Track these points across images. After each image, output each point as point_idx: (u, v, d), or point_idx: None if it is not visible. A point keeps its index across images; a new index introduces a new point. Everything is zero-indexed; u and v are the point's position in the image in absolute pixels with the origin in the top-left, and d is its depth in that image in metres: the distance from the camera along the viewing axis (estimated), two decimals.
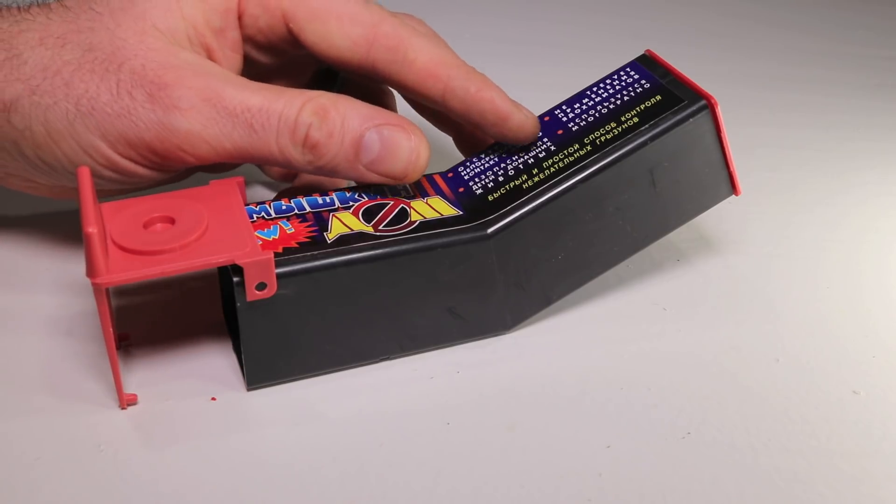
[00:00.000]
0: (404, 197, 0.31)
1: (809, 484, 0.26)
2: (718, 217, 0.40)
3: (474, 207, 0.30)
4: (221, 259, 0.26)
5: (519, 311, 0.31)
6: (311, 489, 0.25)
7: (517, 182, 0.30)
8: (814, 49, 0.62)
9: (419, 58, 0.31)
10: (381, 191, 0.31)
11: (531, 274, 0.30)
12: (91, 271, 0.24)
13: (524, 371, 0.30)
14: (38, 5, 0.30)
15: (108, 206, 0.28)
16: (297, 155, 0.29)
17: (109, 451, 0.26)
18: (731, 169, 0.32)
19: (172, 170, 0.30)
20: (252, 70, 0.33)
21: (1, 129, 0.29)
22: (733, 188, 0.33)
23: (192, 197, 0.28)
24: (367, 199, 0.30)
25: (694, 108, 0.30)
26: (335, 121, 0.29)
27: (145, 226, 0.27)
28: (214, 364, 0.29)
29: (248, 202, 0.30)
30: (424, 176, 0.32)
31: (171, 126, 0.28)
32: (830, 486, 0.26)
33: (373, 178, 0.30)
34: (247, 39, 0.32)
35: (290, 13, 0.31)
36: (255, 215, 0.29)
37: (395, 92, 0.36)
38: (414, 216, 0.29)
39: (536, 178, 0.30)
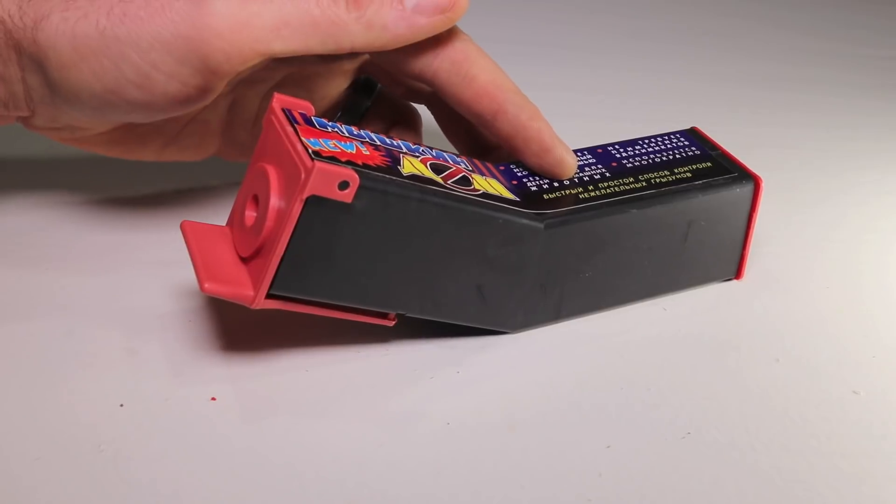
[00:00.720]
0: (464, 168, 0.31)
1: (809, 484, 0.26)
2: None
3: (530, 199, 0.31)
4: (306, 193, 0.25)
5: (532, 314, 0.31)
6: (311, 489, 0.25)
7: (573, 192, 0.31)
8: (814, 49, 0.62)
9: (480, 76, 0.31)
10: (443, 156, 0.31)
11: (557, 281, 0.31)
12: (245, 301, 0.26)
13: (524, 371, 0.30)
14: None
15: (210, 230, 0.29)
16: (341, 13, 0.28)
17: (109, 451, 0.26)
18: (745, 252, 0.34)
19: (205, 84, 0.29)
20: (298, 72, 0.34)
21: (27, 50, 0.28)
22: (738, 271, 0.35)
23: (253, 161, 0.29)
24: (431, 155, 0.30)
25: (743, 180, 0.33)
26: None
27: (245, 223, 0.28)
28: (214, 364, 0.29)
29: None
30: (477, 160, 0.33)
31: (209, 11, 0.27)
32: (830, 486, 0.26)
33: (425, 26, 0.30)
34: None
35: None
36: (329, 127, 0.29)
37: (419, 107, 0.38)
38: (476, 185, 0.30)
39: (593, 194, 0.31)
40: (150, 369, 0.29)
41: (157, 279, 0.33)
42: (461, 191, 0.29)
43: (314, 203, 0.25)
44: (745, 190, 0.33)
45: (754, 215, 0.33)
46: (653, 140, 0.35)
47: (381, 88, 0.38)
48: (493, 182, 0.31)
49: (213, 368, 0.29)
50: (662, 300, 0.34)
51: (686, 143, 0.35)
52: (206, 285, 0.26)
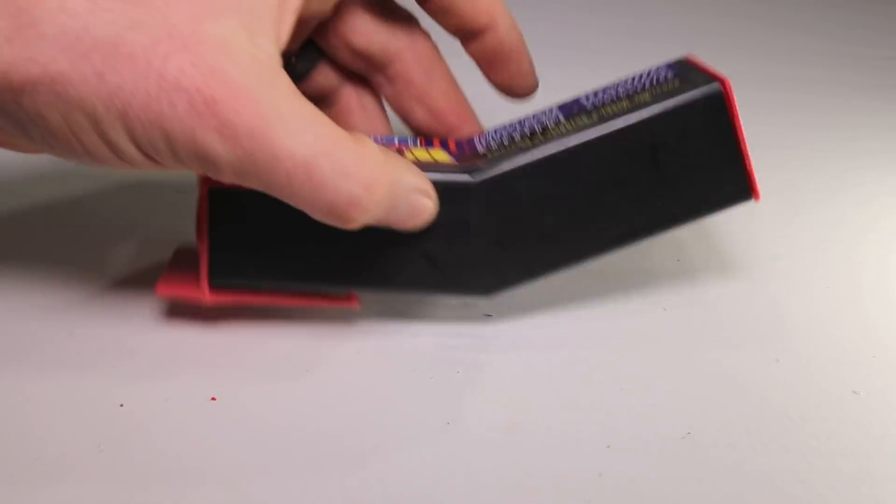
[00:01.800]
0: (403, 144, 0.31)
1: (809, 484, 0.26)
2: (718, 217, 0.40)
3: (469, 159, 0.30)
4: (206, 186, 0.28)
5: (501, 274, 0.30)
6: (310, 489, 0.25)
7: (518, 143, 0.30)
8: (814, 49, 0.62)
9: None
10: (390, 139, 0.31)
11: (515, 235, 0.29)
12: (194, 298, 0.28)
13: (524, 371, 0.30)
14: None
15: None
16: (321, 215, 0.26)
17: (109, 451, 0.26)
18: (747, 164, 0.30)
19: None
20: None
21: (4, 109, 0.24)
22: (750, 189, 0.30)
23: None
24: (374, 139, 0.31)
25: (704, 85, 0.30)
26: (381, 196, 0.26)
27: None
28: (215, 364, 0.29)
29: None
30: (432, 139, 0.33)
31: (203, 146, 0.24)
32: (830, 486, 0.26)
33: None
34: None
35: None
36: None
37: None
38: (409, 155, 0.29)
39: (536, 140, 0.30)
40: (150, 369, 0.29)
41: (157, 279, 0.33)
42: None
43: (218, 193, 0.27)
44: (709, 97, 0.29)
45: (735, 121, 0.30)
46: (629, 79, 0.33)
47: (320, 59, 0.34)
48: (437, 151, 0.30)
49: (213, 368, 0.29)
50: (662, 300, 0.34)
51: (665, 71, 0.32)
52: (158, 291, 0.28)
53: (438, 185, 0.28)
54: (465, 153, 0.31)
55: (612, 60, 0.59)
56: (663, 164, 0.30)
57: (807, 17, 0.68)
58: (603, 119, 0.30)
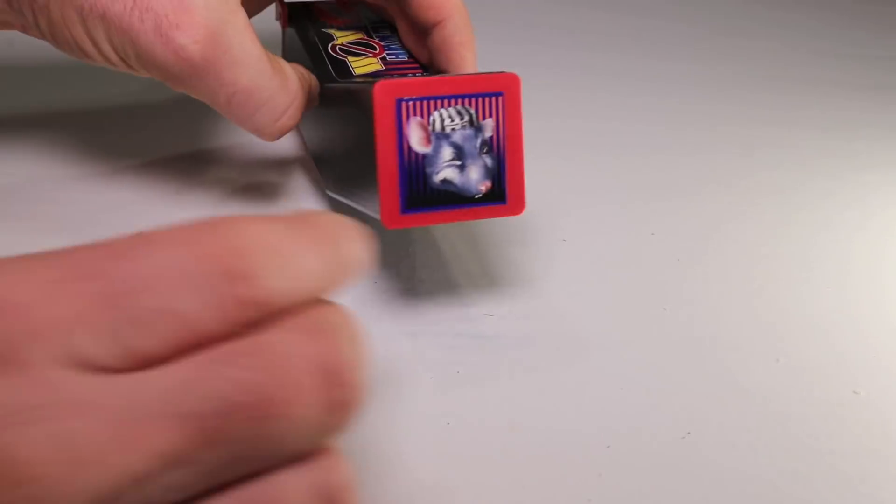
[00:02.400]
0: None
1: (809, 484, 0.26)
2: (718, 217, 0.40)
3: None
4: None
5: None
6: None
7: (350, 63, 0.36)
8: (814, 49, 0.62)
9: None
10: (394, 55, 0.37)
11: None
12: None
13: (524, 371, 0.30)
14: None
15: None
16: (250, 129, 0.32)
17: None
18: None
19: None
20: None
21: (21, 6, 0.30)
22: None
23: None
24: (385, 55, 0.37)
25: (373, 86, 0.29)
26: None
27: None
28: None
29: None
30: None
31: (163, 62, 0.30)
32: (830, 486, 0.26)
33: None
34: None
35: None
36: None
37: None
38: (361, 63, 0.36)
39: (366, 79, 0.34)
40: None
41: None
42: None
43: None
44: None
45: (375, 123, 0.28)
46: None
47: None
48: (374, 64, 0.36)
49: None
50: (662, 300, 0.34)
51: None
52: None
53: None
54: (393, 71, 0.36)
55: (612, 60, 0.59)
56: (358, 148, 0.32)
57: (807, 17, 0.68)
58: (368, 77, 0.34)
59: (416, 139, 0.28)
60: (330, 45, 0.37)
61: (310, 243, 0.18)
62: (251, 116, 0.32)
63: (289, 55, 0.41)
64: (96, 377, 0.15)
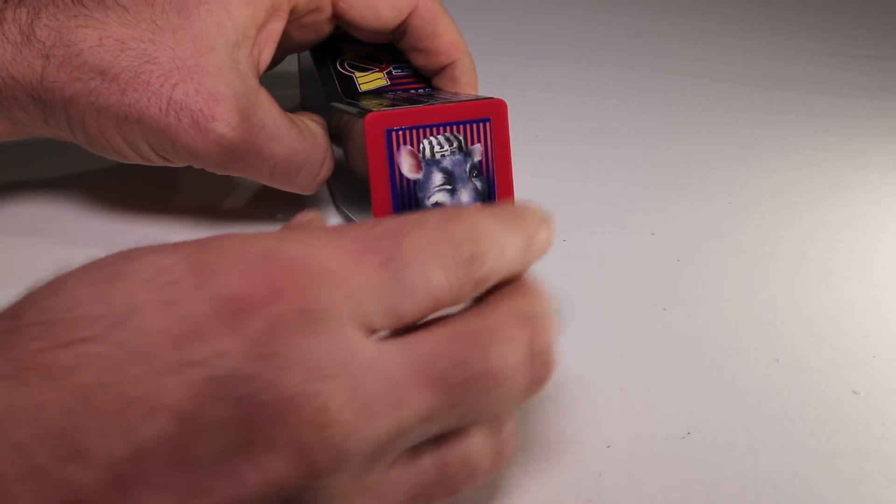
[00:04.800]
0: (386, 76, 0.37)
1: (809, 484, 0.26)
2: (718, 217, 0.40)
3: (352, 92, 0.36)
4: None
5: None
6: None
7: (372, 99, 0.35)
8: (814, 49, 0.62)
9: (445, 34, 0.36)
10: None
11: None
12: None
13: None
14: None
15: None
16: (291, 188, 0.34)
17: None
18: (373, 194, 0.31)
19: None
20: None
21: (59, 118, 0.31)
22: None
23: None
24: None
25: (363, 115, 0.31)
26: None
27: None
28: None
29: None
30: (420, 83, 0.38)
31: (205, 153, 0.31)
32: (830, 486, 0.26)
33: None
34: (289, 23, 0.34)
35: None
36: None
37: None
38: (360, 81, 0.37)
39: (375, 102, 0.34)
40: None
41: None
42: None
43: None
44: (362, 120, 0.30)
45: (368, 149, 0.30)
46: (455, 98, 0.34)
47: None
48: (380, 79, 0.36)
49: None
50: (662, 300, 0.34)
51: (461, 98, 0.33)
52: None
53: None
54: (398, 88, 0.37)
55: (613, 60, 0.59)
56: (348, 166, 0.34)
57: (807, 17, 0.68)
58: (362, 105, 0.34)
59: (406, 166, 0.29)
60: (338, 61, 0.37)
61: (518, 231, 0.22)
62: (293, 180, 0.34)
63: (302, 72, 0.42)
64: (376, 341, 0.19)
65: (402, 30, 0.36)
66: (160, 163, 0.33)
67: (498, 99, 0.30)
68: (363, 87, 0.36)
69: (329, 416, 0.17)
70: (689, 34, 0.64)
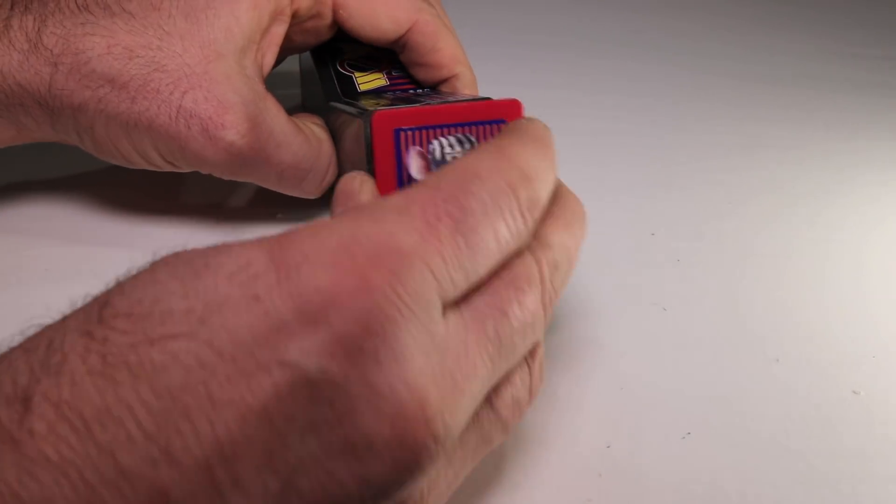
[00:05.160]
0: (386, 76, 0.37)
1: (809, 484, 0.26)
2: (718, 217, 0.40)
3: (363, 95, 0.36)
4: None
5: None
6: None
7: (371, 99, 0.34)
8: (814, 49, 0.62)
9: (445, 48, 0.36)
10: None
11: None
12: None
13: None
14: (98, 3, 0.31)
15: None
16: (298, 193, 0.35)
17: None
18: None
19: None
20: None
21: (66, 125, 0.32)
22: None
23: None
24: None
25: (366, 117, 0.30)
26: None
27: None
28: None
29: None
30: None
31: (214, 160, 0.32)
32: (830, 486, 0.26)
33: None
34: (290, 27, 0.35)
35: (342, 1, 0.35)
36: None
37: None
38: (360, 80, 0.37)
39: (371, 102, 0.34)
40: None
41: None
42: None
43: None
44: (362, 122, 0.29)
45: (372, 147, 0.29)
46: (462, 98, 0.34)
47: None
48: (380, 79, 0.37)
49: None
50: (662, 300, 0.34)
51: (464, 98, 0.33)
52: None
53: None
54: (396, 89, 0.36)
55: (613, 60, 0.59)
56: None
57: (807, 17, 0.68)
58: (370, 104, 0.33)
59: (415, 168, 0.29)
60: (338, 61, 0.37)
61: (549, 154, 0.23)
62: (300, 185, 0.34)
63: (303, 72, 0.42)
64: (450, 318, 0.19)
65: (402, 43, 0.36)
66: (168, 168, 0.33)
67: (513, 99, 0.29)
68: (362, 87, 0.36)
69: (429, 411, 0.17)
70: (690, 32, 0.64)
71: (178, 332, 0.17)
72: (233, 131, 0.31)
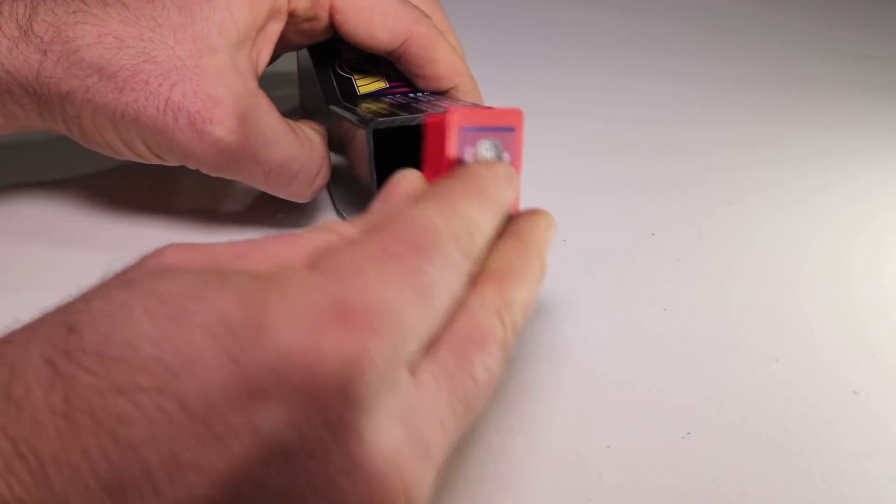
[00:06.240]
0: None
1: (809, 484, 0.26)
2: (718, 217, 0.40)
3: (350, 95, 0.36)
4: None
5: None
6: None
7: (370, 103, 0.35)
8: (814, 49, 0.62)
9: (443, 60, 0.35)
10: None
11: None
12: None
13: (524, 371, 0.30)
14: None
15: None
16: (286, 196, 0.34)
17: None
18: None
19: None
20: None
21: (54, 113, 0.31)
22: None
23: None
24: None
25: (366, 125, 0.32)
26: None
27: None
28: None
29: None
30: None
31: (201, 155, 0.31)
32: (830, 486, 0.26)
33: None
34: (286, 26, 0.34)
35: (339, 6, 0.34)
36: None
37: None
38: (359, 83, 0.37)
39: (371, 106, 0.34)
40: None
41: None
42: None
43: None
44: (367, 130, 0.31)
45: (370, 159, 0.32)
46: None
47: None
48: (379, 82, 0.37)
49: None
50: (662, 300, 0.34)
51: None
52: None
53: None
54: (396, 93, 0.36)
55: (613, 60, 0.59)
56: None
57: (807, 17, 0.68)
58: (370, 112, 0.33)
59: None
60: (337, 63, 0.37)
61: (492, 202, 0.23)
62: (288, 186, 0.33)
63: (301, 72, 0.42)
64: (421, 378, 0.19)
65: (397, 54, 0.35)
66: (154, 161, 0.33)
67: (518, 109, 0.30)
68: (362, 91, 0.36)
69: (408, 482, 0.17)
70: (690, 33, 0.64)
71: (149, 385, 0.16)
72: (220, 127, 0.31)
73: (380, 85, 0.37)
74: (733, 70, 0.58)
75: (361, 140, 0.32)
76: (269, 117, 0.32)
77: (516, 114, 0.29)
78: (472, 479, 0.25)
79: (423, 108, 0.32)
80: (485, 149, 0.28)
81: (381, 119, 0.31)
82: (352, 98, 0.35)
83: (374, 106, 0.34)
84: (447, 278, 0.19)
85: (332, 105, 0.35)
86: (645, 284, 0.35)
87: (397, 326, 0.17)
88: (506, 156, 0.29)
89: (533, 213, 0.26)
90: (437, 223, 0.20)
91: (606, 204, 0.40)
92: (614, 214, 0.40)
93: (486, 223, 0.22)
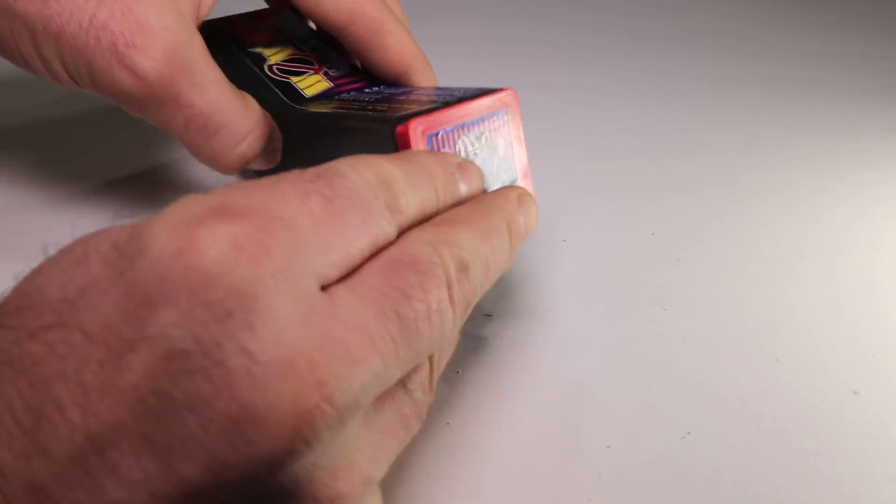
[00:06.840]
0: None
1: (810, 484, 0.26)
2: (718, 217, 0.40)
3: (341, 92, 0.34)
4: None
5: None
6: None
7: (328, 102, 0.33)
8: (814, 49, 0.62)
9: (393, 45, 0.33)
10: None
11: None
12: None
13: (524, 371, 0.30)
14: None
15: None
16: (205, 158, 0.31)
17: None
18: None
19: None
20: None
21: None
22: None
23: None
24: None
25: (387, 126, 0.28)
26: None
27: None
28: None
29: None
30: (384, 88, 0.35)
31: (118, 83, 0.29)
32: (831, 486, 0.26)
33: None
34: None
35: None
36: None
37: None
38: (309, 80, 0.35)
39: (326, 108, 0.32)
40: None
41: None
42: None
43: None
44: (384, 135, 0.28)
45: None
46: (451, 88, 0.33)
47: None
48: (322, 82, 0.34)
49: None
50: (662, 300, 0.34)
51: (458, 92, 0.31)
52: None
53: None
54: (341, 91, 0.34)
55: (612, 60, 0.59)
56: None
57: (807, 17, 0.68)
58: (342, 110, 0.31)
59: None
60: (266, 67, 0.35)
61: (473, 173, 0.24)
62: (208, 141, 0.31)
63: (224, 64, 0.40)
64: (336, 291, 0.18)
65: (346, 36, 0.34)
66: (70, 86, 0.31)
67: (509, 88, 0.29)
68: (307, 92, 0.34)
69: (321, 373, 0.16)
70: (691, 34, 0.64)
71: (53, 322, 0.16)
72: (143, 54, 0.28)
73: (324, 84, 0.35)
74: (733, 71, 0.58)
75: (379, 141, 0.28)
76: (200, 59, 0.30)
77: (502, 98, 0.28)
78: (472, 479, 0.25)
79: (439, 103, 0.30)
80: (468, 143, 0.28)
81: (400, 115, 0.28)
82: (299, 101, 0.33)
83: (328, 105, 0.32)
84: (357, 212, 0.19)
85: (302, 107, 0.33)
86: (645, 284, 0.35)
87: (287, 232, 0.17)
88: (500, 140, 0.29)
89: (507, 187, 0.26)
90: (346, 170, 0.20)
91: (606, 204, 0.40)
92: (614, 214, 0.40)
93: (403, 179, 0.21)
